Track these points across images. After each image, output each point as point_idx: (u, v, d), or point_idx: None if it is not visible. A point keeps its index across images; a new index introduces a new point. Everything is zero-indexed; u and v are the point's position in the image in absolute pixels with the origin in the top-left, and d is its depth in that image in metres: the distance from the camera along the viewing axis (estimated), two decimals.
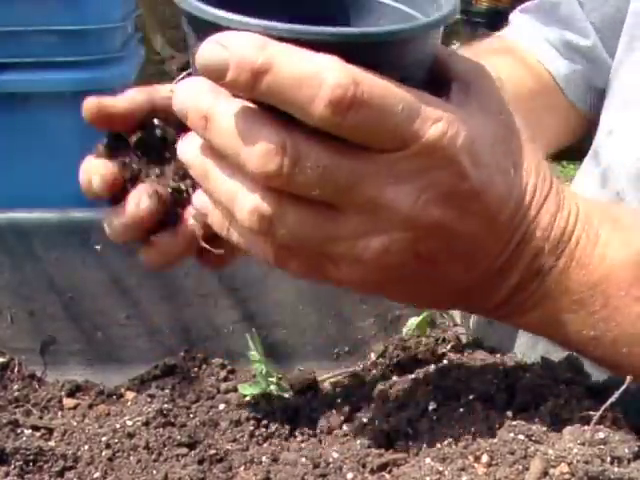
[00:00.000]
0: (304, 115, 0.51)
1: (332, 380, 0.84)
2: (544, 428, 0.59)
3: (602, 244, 0.59)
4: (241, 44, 0.50)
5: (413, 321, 0.87)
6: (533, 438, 0.58)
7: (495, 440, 0.57)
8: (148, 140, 0.64)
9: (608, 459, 0.55)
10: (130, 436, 0.69)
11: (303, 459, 0.65)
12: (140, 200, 0.61)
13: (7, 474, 0.65)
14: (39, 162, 1.97)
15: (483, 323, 0.89)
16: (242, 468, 0.66)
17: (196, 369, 0.87)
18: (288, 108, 0.51)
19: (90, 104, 0.62)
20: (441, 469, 0.56)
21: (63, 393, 0.83)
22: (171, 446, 0.68)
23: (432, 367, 0.75)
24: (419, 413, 0.67)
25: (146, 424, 0.71)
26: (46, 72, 1.97)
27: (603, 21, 0.95)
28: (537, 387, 0.67)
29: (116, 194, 0.63)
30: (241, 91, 0.52)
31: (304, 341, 0.92)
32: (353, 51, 0.51)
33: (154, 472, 0.65)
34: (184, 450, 0.68)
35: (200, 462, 0.66)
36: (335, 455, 0.64)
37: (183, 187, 0.62)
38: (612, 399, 0.57)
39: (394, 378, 0.75)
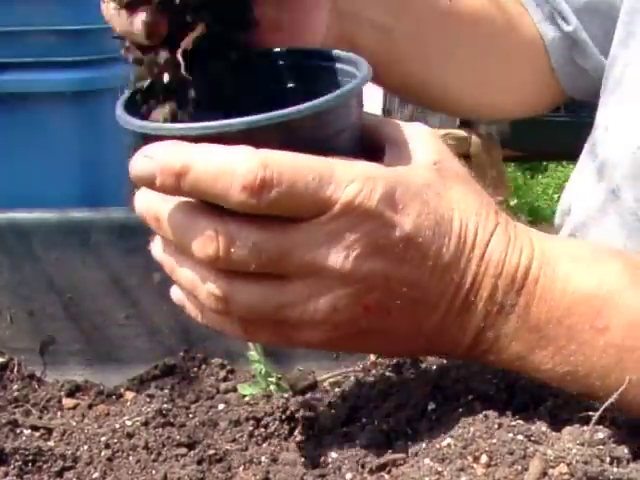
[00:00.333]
0: (225, 203, 0.56)
1: (332, 380, 0.84)
2: (543, 428, 0.59)
3: (562, 279, 0.60)
4: (163, 153, 0.57)
5: None
6: (532, 438, 0.58)
7: (494, 440, 0.57)
8: None
9: (607, 459, 0.55)
10: (129, 436, 0.69)
11: (302, 459, 0.65)
12: None
13: (6, 474, 0.65)
14: (39, 162, 1.97)
15: None
16: (241, 468, 0.66)
17: (195, 369, 0.87)
18: (211, 200, 0.57)
19: None
20: (440, 469, 0.56)
21: (62, 393, 0.83)
22: (170, 446, 0.68)
23: (432, 367, 0.75)
24: (418, 413, 0.67)
25: (145, 424, 0.71)
26: (46, 72, 1.97)
27: (577, 7, 0.95)
28: (536, 387, 0.67)
29: None
30: (170, 193, 0.58)
31: None
32: (261, 136, 0.56)
33: (153, 472, 0.65)
34: (183, 450, 0.68)
35: (199, 462, 0.66)
36: (334, 455, 0.64)
37: None
38: (611, 399, 0.57)
39: (393, 378, 0.75)
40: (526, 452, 0.56)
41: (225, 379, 0.86)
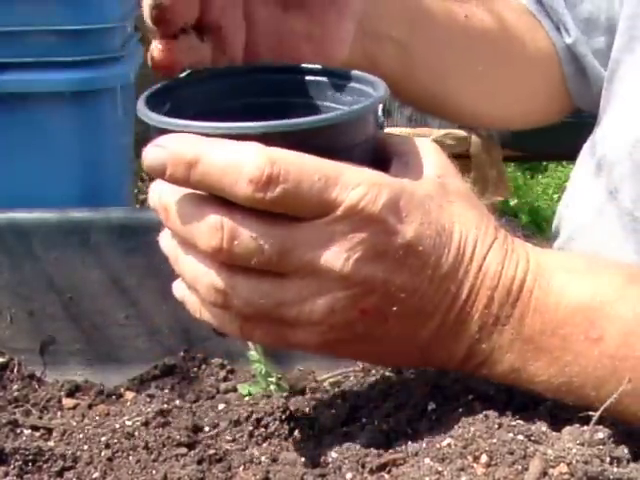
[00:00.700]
0: (232, 197, 0.57)
1: (332, 380, 0.84)
2: (543, 428, 0.59)
3: (556, 291, 0.61)
4: (175, 144, 0.58)
5: None
6: (532, 438, 0.58)
7: (494, 440, 0.57)
8: None
9: (607, 459, 0.55)
10: (129, 436, 0.69)
11: (302, 459, 0.65)
12: None
13: (6, 474, 0.65)
14: (39, 162, 1.97)
15: None
16: (241, 468, 0.66)
17: (196, 369, 0.87)
18: (219, 193, 0.58)
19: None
20: (440, 469, 0.56)
21: (62, 393, 0.83)
22: (170, 446, 0.68)
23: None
24: (418, 413, 0.67)
25: (145, 424, 0.71)
26: (46, 72, 1.96)
27: (581, 17, 0.95)
28: None
29: None
30: (180, 184, 0.59)
31: None
32: (277, 142, 0.57)
33: (153, 472, 0.65)
34: (183, 450, 0.68)
35: (199, 462, 0.66)
36: (334, 455, 0.64)
37: None
38: (611, 399, 0.57)
39: (393, 378, 0.75)
40: (526, 452, 0.56)
41: (225, 379, 0.86)
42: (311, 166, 0.57)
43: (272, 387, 0.81)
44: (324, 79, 0.69)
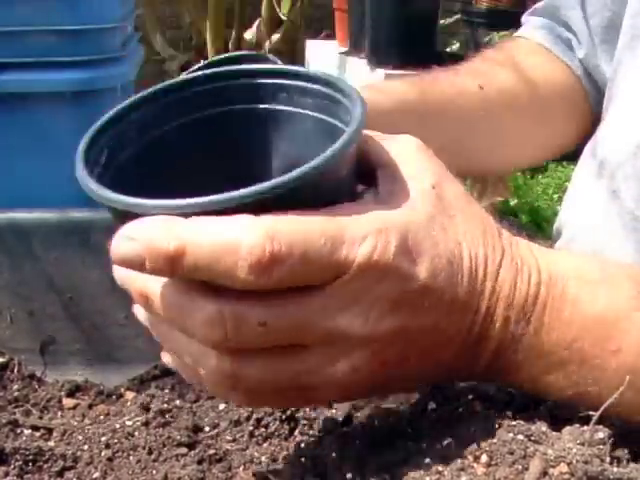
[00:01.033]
0: (230, 284, 0.50)
1: None
2: (543, 428, 0.59)
3: (570, 303, 0.59)
4: (147, 232, 0.50)
5: None
6: (532, 438, 0.58)
7: (494, 440, 0.57)
8: None
9: (607, 459, 0.55)
10: (130, 436, 0.69)
11: (302, 459, 0.65)
12: None
13: (7, 474, 0.65)
14: (39, 162, 1.97)
15: None
16: (241, 468, 0.66)
17: None
18: (213, 281, 0.50)
19: None
20: (440, 469, 0.56)
21: (63, 393, 0.83)
22: (170, 446, 0.68)
23: None
24: (418, 413, 0.67)
25: (146, 424, 0.71)
26: (46, 72, 1.96)
27: (601, 25, 0.96)
28: None
29: None
30: (164, 276, 0.52)
31: None
32: (260, 205, 0.50)
33: (154, 472, 0.65)
34: (183, 450, 0.68)
35: (199, 462, 0.66)
36: (334, 455, 0.63)
37: None
38: (611, 399, 0.57)
39: None
40: (526, 452, 0.56)
41: None
42: (313, 231, 0.51)
43: None
44: (271, 81, 0.60)
